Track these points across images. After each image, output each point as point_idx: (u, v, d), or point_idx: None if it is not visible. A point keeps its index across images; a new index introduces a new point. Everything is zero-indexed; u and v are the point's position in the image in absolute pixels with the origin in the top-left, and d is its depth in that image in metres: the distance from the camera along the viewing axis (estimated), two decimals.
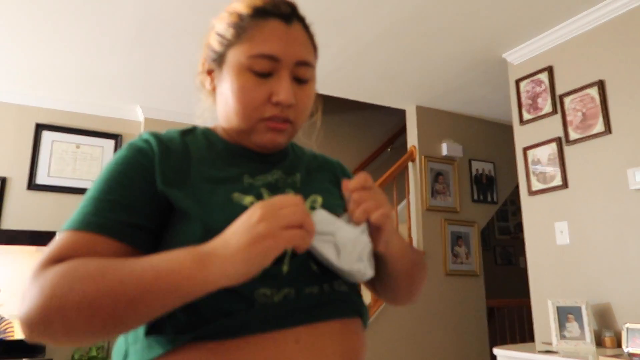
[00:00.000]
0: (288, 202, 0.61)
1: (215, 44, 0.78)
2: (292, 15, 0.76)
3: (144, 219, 0.67)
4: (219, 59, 0.78)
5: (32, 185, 3.50)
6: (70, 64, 3.09)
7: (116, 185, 0.68)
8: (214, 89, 0.82)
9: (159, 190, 0.68)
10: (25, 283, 0.61)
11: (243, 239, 0.58)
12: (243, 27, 0.75)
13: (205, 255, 0.59)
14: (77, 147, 3.69)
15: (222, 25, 0.78)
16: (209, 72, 0.82)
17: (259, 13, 0.75)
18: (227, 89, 0.75)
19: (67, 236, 0.65)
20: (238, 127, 0.77)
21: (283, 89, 0.72)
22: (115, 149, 3.80)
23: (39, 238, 3.14)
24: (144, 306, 0.57)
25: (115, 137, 3.82)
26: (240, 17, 0.76)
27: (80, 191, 3.60)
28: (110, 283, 0.57)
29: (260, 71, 0.73)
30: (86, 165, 3.69)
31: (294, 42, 0.75)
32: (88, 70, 3.19)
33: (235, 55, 0.75)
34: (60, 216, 3.52)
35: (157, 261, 0.59)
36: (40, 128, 3.59)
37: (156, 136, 0.75)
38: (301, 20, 0.78)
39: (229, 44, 0.76)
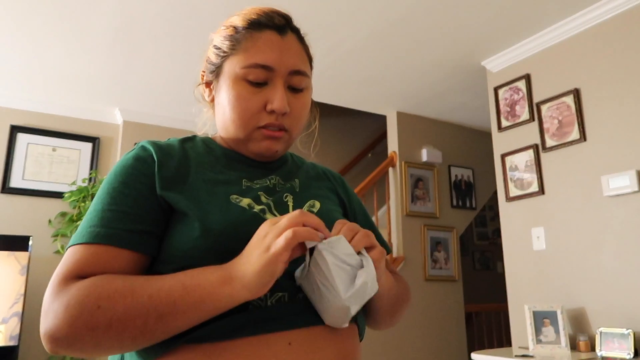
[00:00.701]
0: (288, 218, 0.63)
1: (213, 57, 0.81)
2: (286, 27, 0.79)
3: (151, 226, 0.69)
4: (216, 71, 0.80)
5: (5, 188, 3.42)
6: (48, 65, 3.04)
7: (120, 196, 0.69)
8: (212, 100, 0.84)
9: (159, 195, 0.70)
10: (45, 299, 0.63)
11: (255, 261, 0.61)
12: (238, 39, 0.77)
13: (228, 272, 0.62)
14: (54, 149, 3.62)
15: (218, 39, 0.81)
16: (208, 84, 0.84)
17: (253, 25, 0.78)
18: (223, 98, 0.78)
19: (80, 250, 0.66)
20: (235, 135, 0.79)
21: (277, 98, 0.75)
22: (93, 152, 3.74)
23: (13, 243, 3.06)
24: (173, 320, 0.60)
25: (93, 140, 3.76)
26: (235, 29, 0.78)
27: (57, 195, 3.53)
28: (139, 299, 0.60)
29: (255, 80, 0.75)
30: (63, 168, 3.62)
31: (288, 51, 0.77)
32: (66, 72, 3.14)
33: (230, 66, 0.77)
34: (35, 220, 3.45)
35: (183, 278, 0.62)
36: (15, 130, 3.51)
37: (155, 144, 0.76)
38: (295, 31, 0.81)
39: (225, 56, 0.78)
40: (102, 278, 0.62)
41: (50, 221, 3.49)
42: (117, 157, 3.77)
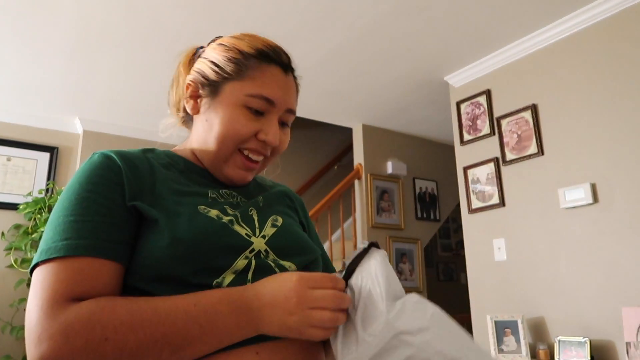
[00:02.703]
0: (325, 299, 0.63)
1: (209, 73, 0.80)
2: (289, 66, 0.83)
3: (127, 235, 0.68)
4: (213, 89, 0.80)
5: None
6: (3, 72, 2.92)
7: (94, 205, 0.67)
8: (197, 112, 0.82)
9: (129, 205, 0.69)
10: (36, 322, 0.59)
11: (276, 323, 0.63)
12: (245, 65, 0.78)
13: (248, 318, 0.63)
14: (8, 159, 3.48)
15: (218, 57, 0.80)
16: (194, 97, 0.82)
17: (262, 56, 0.79)
18: (216, 117, 0.78)
19: (62, 266, 0.62)
20: (216, 152, 0.79)
21: (272, 132, 0.78)
22: (51, 162, 3.62)
23: None
24: (188, 354, 0.61)
25: (51, 150, 3.63)
26: (242, 54, 0.79)
27: (11, 206, 3.38)
28: (152, 334, 0.59)
29: (255, 109, 0.78)
30: (18, 179, 3.48)
31: (289, 90, 0.82)
32: (23, 80, 3.03)
33: (233, 90, 0.78)
34: None
35: (196, 314, 0.62)
36: None
37: (118, 153, 0.74)
38: (293, 70, 0.86)
39: (226, 78, 0.79)
40: (103, 305, 0.60)
41: (3, 234, 3.34)
42: (76, 167, 3.65)
